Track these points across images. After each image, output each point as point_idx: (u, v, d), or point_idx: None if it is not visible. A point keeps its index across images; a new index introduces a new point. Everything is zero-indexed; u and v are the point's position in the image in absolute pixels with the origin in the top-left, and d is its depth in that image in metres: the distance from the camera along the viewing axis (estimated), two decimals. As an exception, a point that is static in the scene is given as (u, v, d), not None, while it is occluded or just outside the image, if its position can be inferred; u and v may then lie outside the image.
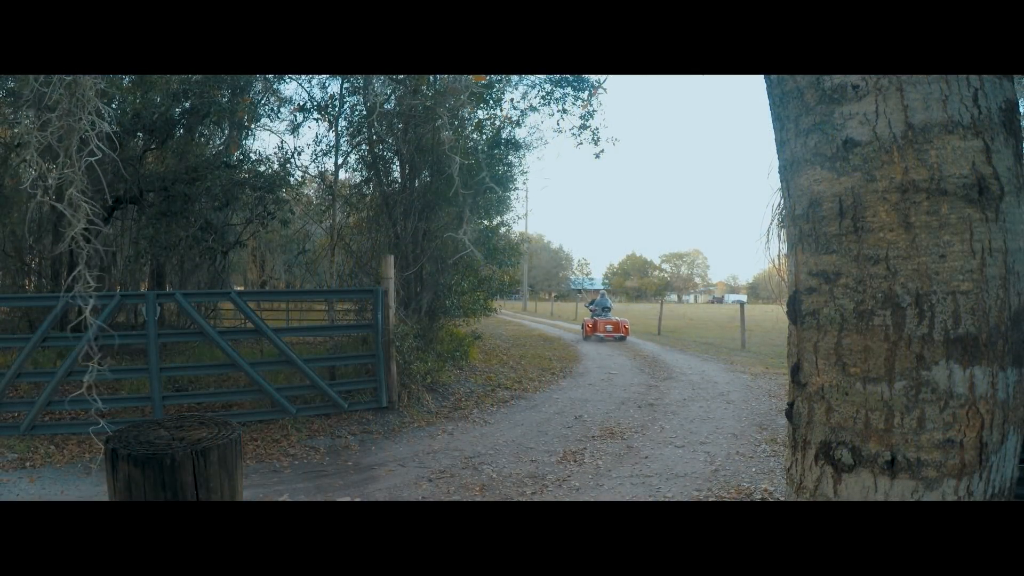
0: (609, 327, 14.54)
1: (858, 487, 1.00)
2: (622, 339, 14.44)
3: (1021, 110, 1.07)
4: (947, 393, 0.94)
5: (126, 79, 7.80)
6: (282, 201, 8.65)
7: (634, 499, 3.89)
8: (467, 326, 10.10)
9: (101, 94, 3.48)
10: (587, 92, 8.22)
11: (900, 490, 0.97)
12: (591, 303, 16.44)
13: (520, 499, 3.93)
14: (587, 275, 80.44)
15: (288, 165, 8.36)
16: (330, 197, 8.58)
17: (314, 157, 10.04)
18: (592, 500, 3.88)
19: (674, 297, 77.33)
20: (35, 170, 3.32)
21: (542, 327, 20.40)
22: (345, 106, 8.19)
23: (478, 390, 7.52)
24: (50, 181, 3.39)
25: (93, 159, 3.27)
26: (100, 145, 3.27)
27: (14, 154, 8.70)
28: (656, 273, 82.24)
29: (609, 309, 15.76)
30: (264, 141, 51.31)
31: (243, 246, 10.24)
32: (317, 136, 18.30)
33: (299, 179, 9.41)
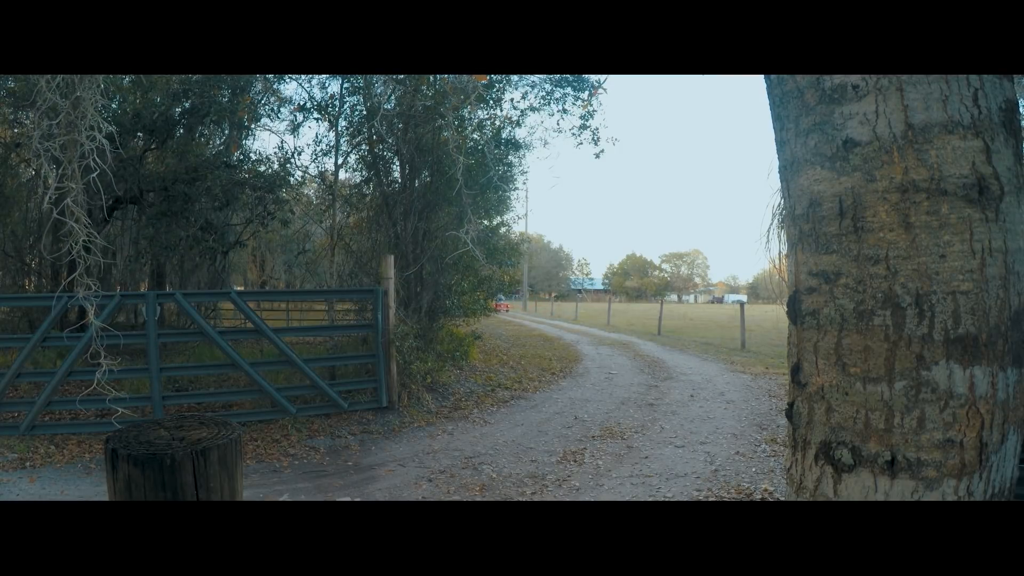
0: (502, 305, 30.39)
1: (858, 487, 1.00)
2: (507, 311, 31.69)
3: (1021, 110, 1.07)
4: (947, 393, 0.94)
5: (126, 79, 7.80)
6: (282, 201, 8.64)
7: (634, 499, 3.89)
8: (467, 326, 10.10)
9: (103, 94, 3.51)
10: (587, 92, 8.22)
11: (900, 490, 0.97)
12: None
13: (520, 499, 3.93)
14: (587, 275, 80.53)
15: (288, 165, 8.36)
16: (330, 197, 8.58)
17: (314, 157, 10.03)
18: (592, 500, 3.88)
19: (674, 297, 77.35)
20: (51, 177, 3.34)
21: (542, 327, 20.40)
22: (345, 106, 8.19)
23: (478, 390, 7.52)
24: (53, 188, 3.42)
25: (93, 174, 3.32)
26: (97, 160, 3.31)
27: (14, 154, 8.70)
28: (656, 273, 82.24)
29: (503, 299, 31.63)
30: (264, 141, 51.35)
31: (243, 246, 10.23)
32: (317, 136, 18.35)
33: (299, 179, 9.40)
